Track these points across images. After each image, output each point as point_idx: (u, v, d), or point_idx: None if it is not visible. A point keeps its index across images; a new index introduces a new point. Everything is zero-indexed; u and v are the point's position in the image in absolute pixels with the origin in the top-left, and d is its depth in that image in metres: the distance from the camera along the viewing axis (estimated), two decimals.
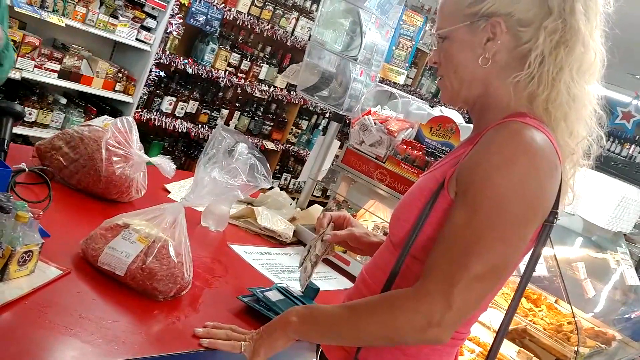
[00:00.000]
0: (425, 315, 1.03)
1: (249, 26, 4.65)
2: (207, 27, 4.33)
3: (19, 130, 3.63)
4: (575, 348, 2.42)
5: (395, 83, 3.26)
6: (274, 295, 1.47)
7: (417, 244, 1.14)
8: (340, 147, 2.33)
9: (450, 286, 1.02)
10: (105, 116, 1.86)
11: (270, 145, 5.33)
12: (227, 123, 4.96)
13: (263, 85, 4.96)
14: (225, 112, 4.91)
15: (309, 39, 2.32)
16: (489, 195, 1.03)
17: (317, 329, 1.17)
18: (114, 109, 4.18)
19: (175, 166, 1.76)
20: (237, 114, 5.05)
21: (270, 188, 2.18)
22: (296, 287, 1.57)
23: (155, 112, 4.37)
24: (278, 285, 1.56)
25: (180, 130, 4.56)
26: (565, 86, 1.10)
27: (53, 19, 3.48)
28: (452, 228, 1.06)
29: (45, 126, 3.81)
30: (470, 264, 1.02)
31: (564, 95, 1.10)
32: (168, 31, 4.12)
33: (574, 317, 2.53)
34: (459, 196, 1.08)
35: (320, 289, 1.58)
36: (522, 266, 1.20)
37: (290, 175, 5.82)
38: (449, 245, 1.05)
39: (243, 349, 1.19)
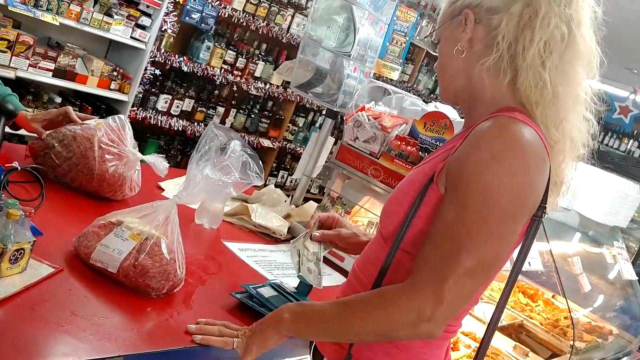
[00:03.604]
0: (416, 310, 1.04)
1: (245, 23, 4.64)
2: (202, 24, 4.32)
3: (14, 130, 3.62)
4: (572, 342, 2.42)
5: (391, 80, 3.25)
6: (267, 292, 1.47)
7: (408, 238, 1.15)
8: (335, 143, 2.33)
9: (441, 282, 1.03)
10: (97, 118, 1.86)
11: (266, 142, 5.33)
12: (223, 121, 4.96)
13: (259, 82, 4.96)
14: (221, 109, 4.90)
15: None
16: (479, 191, 1.03)
17: (310, 325, 1.17)
18: (110, 108, 4.17)
19: (168, 165, 1.76)
20: (233, 111, 5.04)
21: (265, 185, 2.18)
22: (290, 284, 1.57)
23: (150, 111, 4.37)
24: (271, 281, 1.56)
25: (176, 129, 4.56)
26: (536, 69, 1.10)
27: (47, 17, 3.47)
28: (442, 224, 1.07)
29: None
30: (460, 260, 1.03)
31: (537, 79, 1.10)
32: (163, 29, 4.11)
33: (569, 312, 2.53)
34: (448, 191, 1.09)
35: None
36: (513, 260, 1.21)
37: (287, 172, 5.83)
38: (440, 241, 1.06)
39: (235, 345, 1.20)
